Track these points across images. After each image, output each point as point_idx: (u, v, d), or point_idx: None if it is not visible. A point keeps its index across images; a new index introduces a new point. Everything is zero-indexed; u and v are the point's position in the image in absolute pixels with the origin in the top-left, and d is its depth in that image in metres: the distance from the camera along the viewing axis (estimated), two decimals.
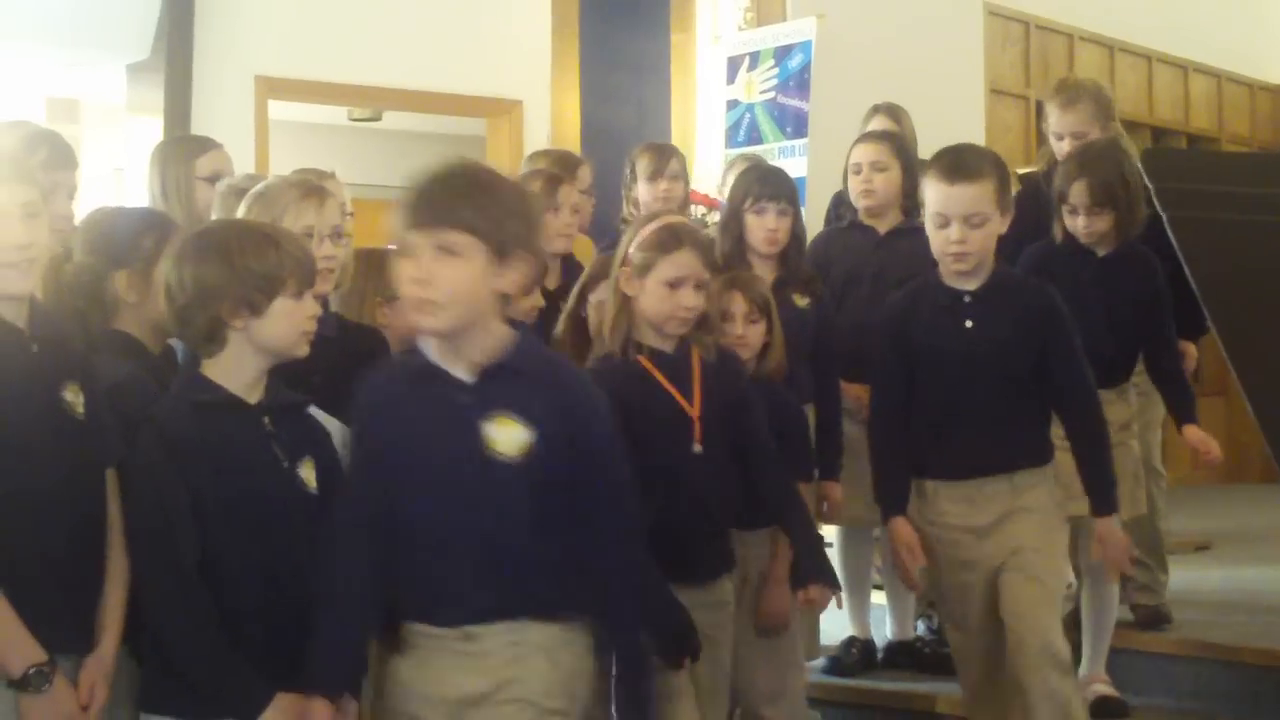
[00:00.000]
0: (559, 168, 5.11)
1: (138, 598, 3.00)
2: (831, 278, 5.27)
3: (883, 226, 5.37)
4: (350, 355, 3.52)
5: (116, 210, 3.72)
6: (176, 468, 2.92)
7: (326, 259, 3.51)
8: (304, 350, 3.07)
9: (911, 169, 5.34)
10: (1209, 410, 11.69)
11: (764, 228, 4.84)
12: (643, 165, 5.74)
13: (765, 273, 4.82)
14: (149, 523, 2.95)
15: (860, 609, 5.53)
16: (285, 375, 3.16)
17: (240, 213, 3.59)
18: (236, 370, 3.02)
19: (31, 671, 2.81)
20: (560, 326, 4.16)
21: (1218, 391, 12.02)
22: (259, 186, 3.65)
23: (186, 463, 2.92)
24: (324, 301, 3.58)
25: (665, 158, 5.72)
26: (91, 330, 3.35)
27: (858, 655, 5.46)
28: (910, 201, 5.32)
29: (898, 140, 5.49)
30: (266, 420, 3.02)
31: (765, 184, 4.90)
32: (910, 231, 5.22)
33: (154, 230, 3.42)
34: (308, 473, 3.04)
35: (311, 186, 3.58)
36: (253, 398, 3.02)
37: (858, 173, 5.36)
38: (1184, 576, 6.52)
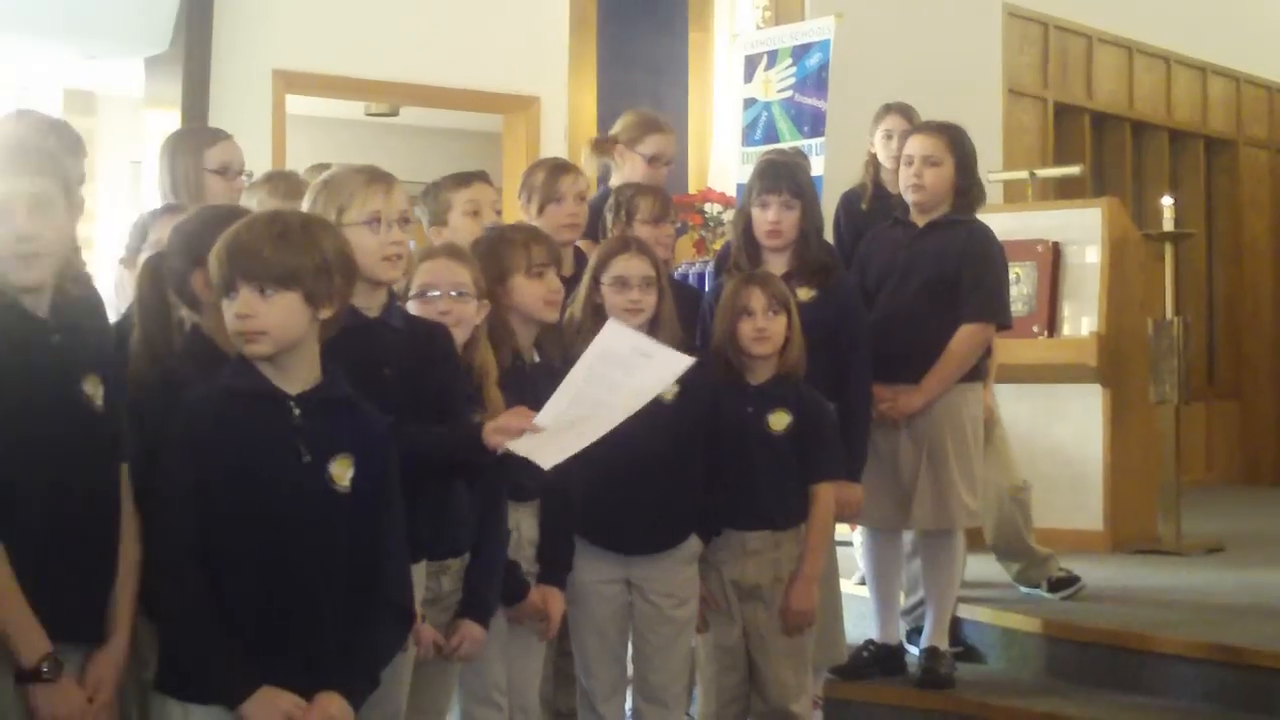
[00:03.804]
0: (559, 164, 5.12)
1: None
2: (868, 276, 5.27)
3: (923, 221, 5.29)
4: (415, 349, 3.52)
5: (198, 209, 3.69)
6: (187, 452, 2.92)
7: (395, 244, 3.49)
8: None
9: (967, 165, 5.27)
10: (1222, 413, 11.75)
11: (766, 221, 4.84)
12: (645, 208, 5.01)
13: (778, 266, 4.82)
14: (154, 504, 2.97)
15: (886, 612, 5.45)
16: (356, 367, 3.14)
17: (305, 203, 3.56)
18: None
19: (41, 663, 2.82)
20: (577, 310, 4.23)
21: (1232, 394, 12.02)
22: (325, 175, 3.63)
23: (199, 448, 2.91)
24: (390, 293, 3.58)
25: (668, 202, 5.10)
26: (171, 333, 3.34)
27: (868, 658, 5.41)
28: (964, 200, 5.27)
29: (956, 134, 5.33)
30: (296, 412, 2.98)
31: (765, 177, 4.88)
32: (945, 225, 5.22)
33: (226, 227, 3.32)
34: (339, 470, 2.99)
35: (377, 173, 3.55)
36: (294, 388, 2.99)
37: (909, 164, 5.26)
38: (1197, 578, 6.52)
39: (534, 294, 3.99)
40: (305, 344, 2.99)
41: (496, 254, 4.02)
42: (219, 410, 2.95)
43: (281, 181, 4.18)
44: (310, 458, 2.96)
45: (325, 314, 2.98)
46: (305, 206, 3.54)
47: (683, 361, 3.74)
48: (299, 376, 2.99)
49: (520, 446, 3.41)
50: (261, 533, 2.91)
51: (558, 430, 3.46)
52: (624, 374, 3.63)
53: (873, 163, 6.10)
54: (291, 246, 2.94)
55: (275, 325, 2.92)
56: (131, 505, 3.04)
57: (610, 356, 3.65)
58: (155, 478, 2.97)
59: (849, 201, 6.05)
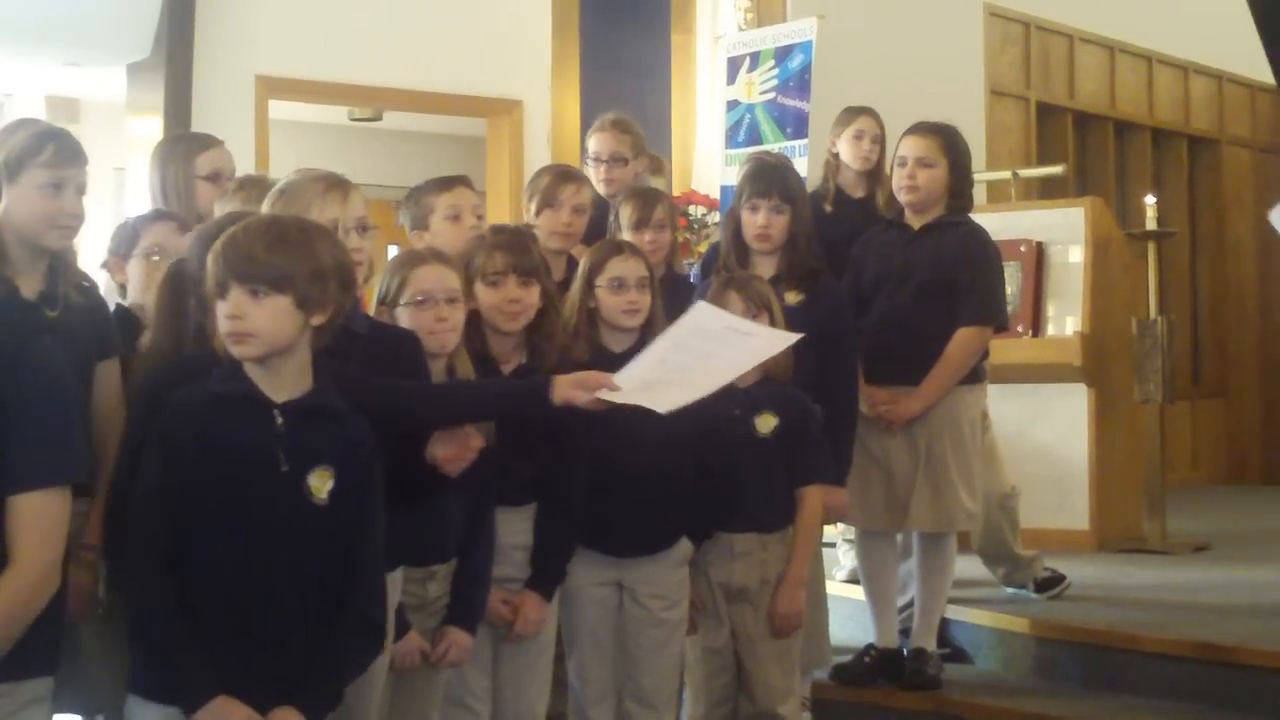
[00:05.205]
0: (567, 172, 5.11)
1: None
2: (864, 279, 5.27)
3: (918, 223, 5.27)
4: (379, 356, 3.50)
5: (223, 215, 3.66)
6: (165, 454, 2.91)
7: (354, 251, 3.48)
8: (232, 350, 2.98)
9: (961, 166, 5.28)
10: (1208, 412, 11.76)
11: (755, 224, 4.86)
12: (626, 214, 5.05)
13: (767, 269, 4.83)
14: (135, 505, 2.94)
15: (884, 615, 5.38)
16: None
17: (264, 211, 3.55)
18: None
19: None
20: (570, 314, 4.22)
21: (1217, 394, 12.04)
22: (281, 183, 3.61)
23: (177, 451, 2.90)
24: (355, 298, 3.56)
25: (650, 206, 5.05)
26: (185, 339, 3.31)
27: (869, 664, 5.36)
28: (958, 201, 5.27)
29: (950, 136, 5.32)
30: (279, 420, 2.94)
31: (755, 180, 4.89)
32: (941, 228, 5.22)
33: None
34: (318, 481, 2.94)
35: (335, 180, 3.54)
36: (280, 395, 2.97)
37: (902, 165, 5.25)
38: (1183, 577, 6.54)
39: (486, 301, 3.96)
40: (296, 350, 2.97)
41: (470, 256, 4.02)
42: (201, 414, 2.93)
43: (254, 188, 4.17)
44: (288, 468, 2.93)
45: (318, 321, 2.97)
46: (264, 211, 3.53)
47: (789, 336, 3.88)
48: (287, 384, 2.98)
49: (623, 398, 3.41)
50: (233, 540, 2.88)
51: (646, 388, 3.47)
52: (717, 345, 3.69)
53: (834, 163, 6.10)
54: (287, 250, 2.93)
55: (264, 328, 2.90)
56: (40, 537, 2.70)
57: (701, 331, 3.72)
58: (139, 482, 2.95)
59: (812, 203, 6.02)
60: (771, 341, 3.86)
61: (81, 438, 2.77)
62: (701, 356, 3.65)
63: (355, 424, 3.06)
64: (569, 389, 3.37)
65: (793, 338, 3.88)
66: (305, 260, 2.94)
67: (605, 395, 3.38)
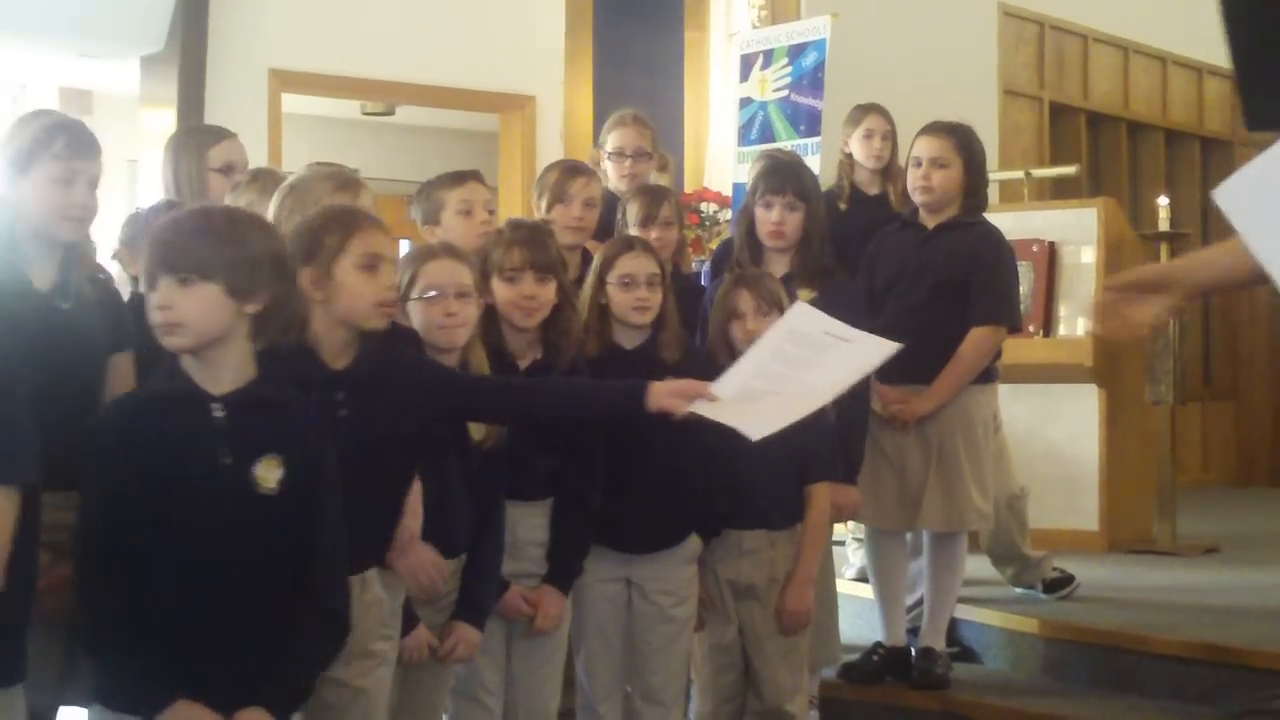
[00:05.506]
0: (575, 166, 5.10)
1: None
2: (878, 278, 5.26)
3: (933, 223, 5.26)
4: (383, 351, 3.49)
5: (318, 210, 3.65)
6: (103, 458, 2.87)
7: None
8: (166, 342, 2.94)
9: (976, 166, 5.27)
10: (1218, 414, 11.74)
11: (769, 221, 4.85)
12: (633, 212, 5.04)
13: (779, 267, 4.83)
14: (79, 515, 2.91)
15: (892, 613, 5.37)
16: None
17: (273, 205, 3.55)
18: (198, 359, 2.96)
19: None
20: (583, 311, 4.22)
21: (1228, 396, 12.02)
22: (291, 179, 3.61)
23: (114, 454, 2.86)
24: None
25: (657, 203, 5.05)
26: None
27: (878, 662, 5.35)
28: (973, 200, 5.26)
29: (964, 135, 5.31)
30: (220, 414, 2.89)
31: (769, 177, 4.89)
32: (956, 227, 5.21)
33: (339, 226, 3.26)
34: (265, 471, 2.89)
35: (345, 178, 3.54)
36: (220, 388, 2.91)
37: (917, 166, 5.24)
38: (1193, 579, 6.53)
39: (503, 296, 3.96)
40: (232, 340, 2.92)
41: (487, 251, 4.02)
42: (133, 416, 2.91)
43: (266, 181, 4.17)
44: (231, 460, 2.89)
45: (252, 309, 2.91)
46: (272, 208, 3.54)
47: (888, 346, 3.78)
48: (227, 375, 2.92)
49: (719, 413, 3.42)
50: (181, 539, 2.84)
51: (744, 402, 3.46)
52: (816, 353, 3.66)
53: (848, 163, 6.10)
54: (213, 238, 2.89)
55: (193, 317, 2.85)
56: None
57: (799, 336, 3.70)
58: (81, 488, 2.92)
59: (827, 202, 6.02)
60: (871, 351, 3.77)
61: (32, 434, 2.67)
62: (801, 365, 3.61)
63: (302, 412, 3.02)
64: (666, 397, 3.41)
65: (893, 347, 3.78)
66: (233, 247, 2.89)
67: (699, 408, 3.39)
